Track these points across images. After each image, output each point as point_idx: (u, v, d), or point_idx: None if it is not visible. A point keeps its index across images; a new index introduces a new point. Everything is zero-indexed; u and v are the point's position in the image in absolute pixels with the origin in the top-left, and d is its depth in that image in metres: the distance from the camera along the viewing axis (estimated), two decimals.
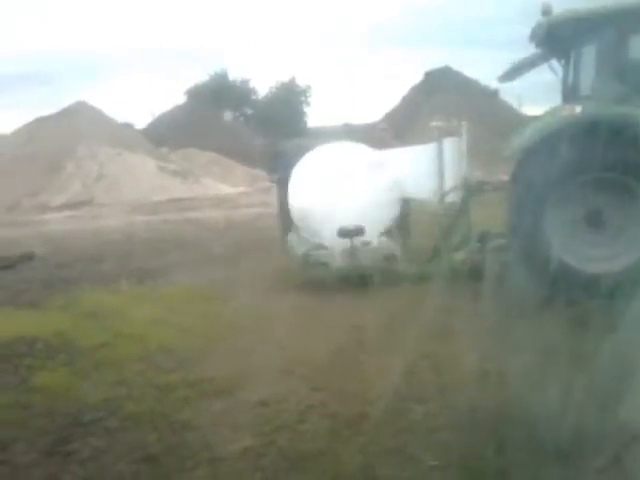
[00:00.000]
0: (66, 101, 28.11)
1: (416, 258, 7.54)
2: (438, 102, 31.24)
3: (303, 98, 47.95)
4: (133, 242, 10.99)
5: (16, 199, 18.37)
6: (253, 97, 47.94)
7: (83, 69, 76.74)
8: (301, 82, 47.71)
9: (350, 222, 7.27)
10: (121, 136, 26.24)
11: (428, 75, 40.28)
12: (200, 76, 46.66)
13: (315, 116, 71.80)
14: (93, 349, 5.42)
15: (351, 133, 28.49)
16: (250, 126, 41.80)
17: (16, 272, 8.88)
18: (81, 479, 3.46)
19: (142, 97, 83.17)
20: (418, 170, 7.79)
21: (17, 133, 26.66)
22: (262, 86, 49.98)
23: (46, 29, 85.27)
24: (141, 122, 40.68)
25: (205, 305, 6.77)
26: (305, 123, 46.98)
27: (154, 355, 5.25)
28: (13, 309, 6.78)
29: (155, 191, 18.62)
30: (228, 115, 39.91)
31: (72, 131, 24.08)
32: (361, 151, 8.30)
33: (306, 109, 48.12)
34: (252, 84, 47.54)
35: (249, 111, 47.06)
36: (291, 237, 8.02)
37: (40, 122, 26.51)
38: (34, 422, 4.13)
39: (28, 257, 9.46)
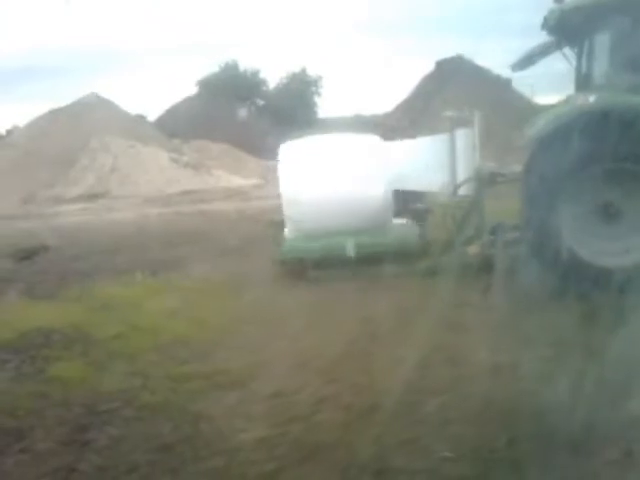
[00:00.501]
0: (78, 93, 28.23)
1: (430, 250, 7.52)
2: (450, 92, 31.03)
3: (314, 89, 47.75)
4: (147, 234, 11.05)
5: (31, 191, 18.52)
6: (264, 88, 47.82)
7: (95, 61, 76.88)
8: (312, 72, 47.57)
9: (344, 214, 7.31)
10: (134, 128, 26.34)
11: (440, 64, 39.94)
12: (211, 67, 46.69)
13: (327, 107, 71.65)
14: (108, 340, 5.49)
15: (362, 124, 28.44)
16: (261, 117, 41.76)
17: (32, 264, 8.98)
18: (97, 468, 3.51)
19: (154, 89, 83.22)
20: (430, 161, 7.76)
21: (31, 126, 26.82)
22: (273, 77, 49.90)
23: (57, 22, 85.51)
24: (153, 114, 40.82)
25: (219, 297, 6.80)
26: (316, 114, 46.86)
27: (169, 346, 5.30)
28: (29, 300, 6.87)
29: (168, 183, 18.66)
30: (243, 112, 39.85)
31: (85, 123, 24.23)
32: (354, 141, 8.31)
33: (317, 100, 48.01)
34: (263, 75, 47.48)
35: (260, 102, 46.95)
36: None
37: (53, 114, 26.66)
38: (51, 411, 4.20)
39: (44, 249, 9.55)
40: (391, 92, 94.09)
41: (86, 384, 4.62)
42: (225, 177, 21.05)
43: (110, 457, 3.61)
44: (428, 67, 41.20)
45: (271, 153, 25.38)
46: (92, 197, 17.68)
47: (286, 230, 7.82)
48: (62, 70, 76.52)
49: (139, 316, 6.11)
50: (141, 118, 33.29)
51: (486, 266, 6.63)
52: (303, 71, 47.13)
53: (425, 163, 7.79)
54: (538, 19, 6.95)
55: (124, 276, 7.80)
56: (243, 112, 39.99)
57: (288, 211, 7.69)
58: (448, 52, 42.14)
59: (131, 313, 6.23)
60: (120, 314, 6.23)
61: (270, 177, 19.32)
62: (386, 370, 4.44)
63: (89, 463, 3.55)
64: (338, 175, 7.50)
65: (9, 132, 32.08)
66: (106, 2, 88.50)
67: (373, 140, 8.37)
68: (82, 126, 23.74)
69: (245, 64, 46.80)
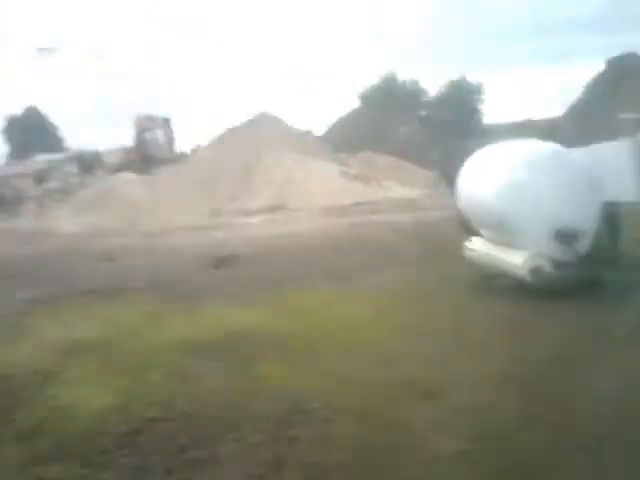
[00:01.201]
0: (250, 113, 30.03)
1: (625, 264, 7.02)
2: (625, 91, 28.70)
3: (476, 96, 46.78)
4: (327, 244, 11.39)
5: (218, 204, 19.99)
6: (424, 98, 47.67)
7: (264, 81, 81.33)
8: (473, 79, 46.63)
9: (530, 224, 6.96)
10: (302, 143, 27.45)
11: (611, 63, 37.22)
12: (371, 80, 47.53)
13: (492, 113, 69.77)
14: (302, 343, 5.79)
15: (532, 129, 27.18)
16: (424, 127, 41.59)
17: (225, 271, 9.67)
18: (305, 464, 3.73)
19: (318, 104, 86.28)
20: (616, 168, 7.25)
21: (212, 144, 29.01)
22: (432, 86, 49.68)
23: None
24: (320, 129, 42.23)
25: (405, 305, 6.91)
26: (479, 121, 45.80)
27: (359, 352, 5.48)
28: (227, 305, 7.43)
29: (340, 195, 19.14)
30: (405, 122, 39.93)
31: (259, 140, 25.65)
32: (539, 148, 7.91)
33: (480, 107, 46.97)
34: (422, 85, 47.43)
35: (422, 112, 46.84)
36: (470, 242, 7.87)
37: (230, 133, 28.61)
38: (258, 407, 4.54)
39: (235, 257, 10.26)
40: (561, 95, 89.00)
41: (286, 383, 4.93)
42: (394, 188, 21.14)
43: (315, 454, 3.82)
44: (598, 66, 38.70)
45: (436, 163, 25.46)
46: (271, 209, 18.69)
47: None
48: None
49: (330, 321, 6.39)
50: (308, 133, 34.61)
51: None
52: (463, 79, 46.37)
53: (609, 170, 7.28)
54: None
55: (311, 283, 8.15)
56: (405, 123, 40.07)
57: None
58: (618, 50, 39.27)
59: (322, 318, 6.53)
60: (311, 319, 6.54)
61: (439, 188, 19.18)
62: (593, 391, 4.22)
63: (297, 459, 3.79)
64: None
65: (193, 151, 35.09)
66: (271, 21, 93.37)
67: (557, 147, 8.01)
68: (256, 143, 25.20)
69: (403, 75, 47.14)
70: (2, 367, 5.74)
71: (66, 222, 19.51)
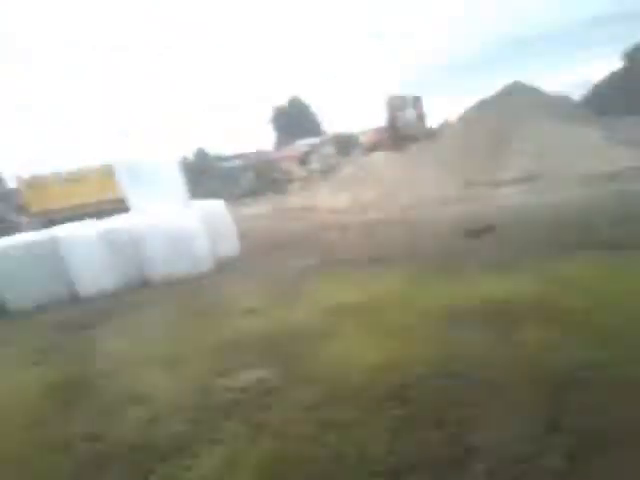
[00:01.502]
0: (500, 84, 28.73)
1: None
2: None
3: None
4: (586, 213, 10.52)
5: (471, 176, 19.82)
6: None
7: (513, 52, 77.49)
8: None
9: None
10: (559, 109, 25.75)
11: None
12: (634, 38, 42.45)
13: None
14: (573, 313, 5.54)
15: None
16: None
17: (480, 241, 9.60)
18: (573, 429, 3.71)
19: (578, 67, 79.87)
20: None
21: (462, 117, 28.66)
22: None
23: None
24: (577, 93, 39.13)
25: None
26: None
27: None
28: (485, 274, 7.42)
29: (602, 162, 17.57)
30: None
31: (512, 110, 24.71)
32: None
33: None
34: None
35: None
36: None
37: (481, 105, 27.95)
38: (523, 370, 4.55)
39: (490, 228, 10.13)
40: None
41: (553, 350, 4.82)
42: None
43: (588, 422, 3.73)
44: None
45: None
46: (527, 179, 17.95)
47: None
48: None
49: (599, 291, 6.01)
50: (566, 98, 32.24)
51: None
52: None
53: None
54: None
55: (569, 253, 7.68)
56: None
57: None
58: None
59: (586, 288, 6.17)
60: (573, 288, 6.22)
61: None
62: None
63: (571, 420, 3.76)
64: None
65: (442, 126, 35.17)
66: None
67: None
68: (509, 113, 24.31)
69: None
70: (284, 326, 6.58)
71: (327, 199, 21.02)
